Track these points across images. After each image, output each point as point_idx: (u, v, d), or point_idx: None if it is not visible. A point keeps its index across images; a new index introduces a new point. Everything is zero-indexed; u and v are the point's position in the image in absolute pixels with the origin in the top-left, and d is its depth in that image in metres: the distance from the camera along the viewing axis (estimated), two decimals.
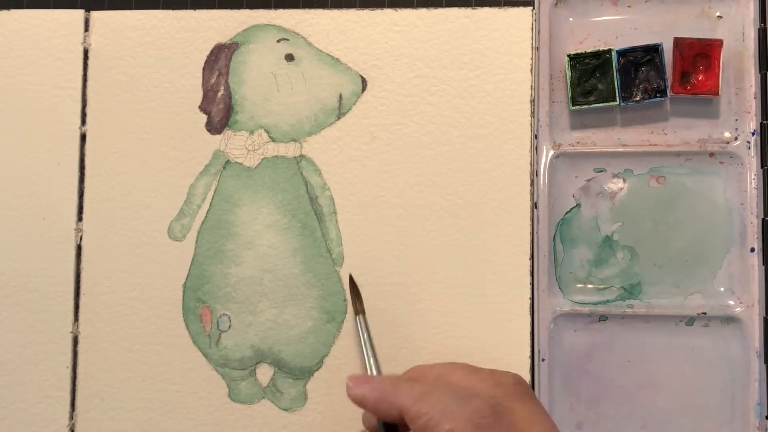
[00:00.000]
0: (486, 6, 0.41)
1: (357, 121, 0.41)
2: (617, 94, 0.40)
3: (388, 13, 0.42)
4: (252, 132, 0.42)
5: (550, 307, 0.40)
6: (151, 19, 0.43)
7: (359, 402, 0.34)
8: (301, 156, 0.42)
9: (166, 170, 0.42)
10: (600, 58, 0.40)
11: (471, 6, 0.41)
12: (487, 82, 0.41)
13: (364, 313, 0.39)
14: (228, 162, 0.42)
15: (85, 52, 0.43)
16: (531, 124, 0.41)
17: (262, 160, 0.42)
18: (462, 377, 0.34)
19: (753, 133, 0.40)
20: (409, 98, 0.41)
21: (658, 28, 0.41)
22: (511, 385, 0.34)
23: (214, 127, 0.42)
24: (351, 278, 0.40)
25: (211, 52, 0.42)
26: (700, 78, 0.40)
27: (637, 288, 0.40)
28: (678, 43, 0.40)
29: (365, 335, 0.38)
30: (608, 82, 0.40)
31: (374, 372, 0.37)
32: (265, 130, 0.42)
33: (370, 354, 0.37)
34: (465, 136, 0.41)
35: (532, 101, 0.41)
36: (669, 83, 0.40)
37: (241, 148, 0.42)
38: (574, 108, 0.40)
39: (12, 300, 0.42)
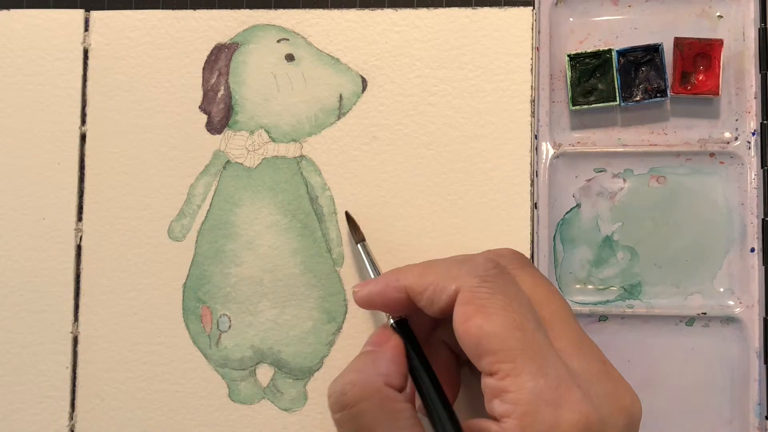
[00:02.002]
0: (486, 6, 0.41)
1: (357, 121, 0.41)
2: (617, 94, 0.40)
3: (388, 13, 0.42)
4: (252, 132, 0.42)
5: None
6: (151, 19, 0.43)
7: (367, 301, 0.34)
8: (302, 156, 0.42)
9: (166, 170, 0.42)
10: (600, 58, 0.40)
11: (471, 6, 0.41)
12: (488, 82, 0.41)
13: (364, 240, 0.39)
14: (228, 162, 0.42)
15: (85, 52, 0.43)
16: (531, 124, 0.41)
17: (263, 160, 0.42)
18: (459, 255, 0.34)
19: (753, 133, 0.40)
20: (409, 98, 0.41)
21: (658, 28, 0.41)
22: (508, 255, 0.34)
23: (214, 127, 0.42)
24: (347, 213, 0.41)
25: (211, 52, 0.42)
26: (701, 78, 0.40)
27: (637, 288, 0.40)
28: (678, 42, 0.40)
29: (368, 259, 0.38)
30: (608, 82, 0.40)
31: None
32: (265, 130, 0.42)
33: (375, 275, 0.37)
34: (465, 136, 0.41)
35: (532, 101, 0.41)
36: (669, 83, 0.40)
37: (241, 149, 0.42)
38: (574, 108, 0.40)
39: (12, 300, 0.42)
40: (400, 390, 0.32)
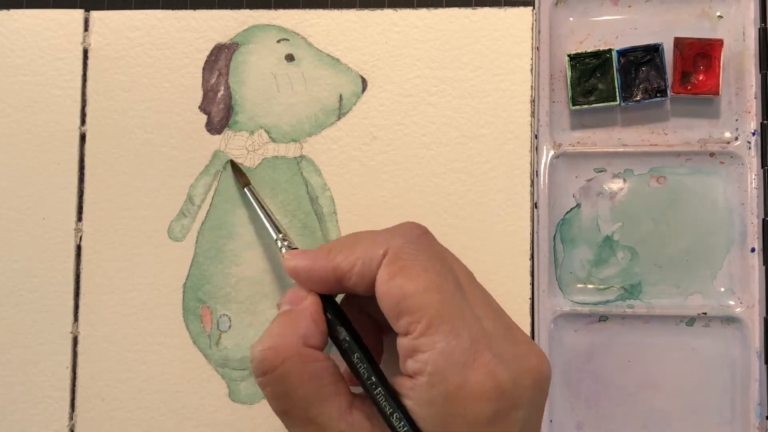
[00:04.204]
0: (486, 6, 0.41)
1: (357, 121, 0.41)
2: (617, 94, 0.40)
3: (388, 13, 0.42)
4: (252, 132, 0.42)
5: (550, 307, 0.40)
6: (151, 19, 0.43)
7: (293, 274, 0.33)
8: (302, 156, 0.42)
9: (166, 170, 0.42)
10: (600, 57, 0.40)
11: (471, 6, 0.41)
12: (487, 82, 0.41)
13: (250, 183, 0.40)
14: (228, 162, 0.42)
15: (85, 52, 0.43)
16: (531, 124, 0.41)
17: (263, 160, 0.42)
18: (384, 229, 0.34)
19: (753, 133, 0.39)
20: (409, 98, 0.41)
21: (658, 28, 0.41)
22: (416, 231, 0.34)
23: (214, 127, 0.42)
24: (232, 162, 0.41)
25: (211, 52, 0.42)
26: (701, 78, 0.40)
27: (637, 288, 0.40)
28: (678, 42, 0.40)
29: (259, 204, 0.39)
30: (608, 82, 0.40)
31: (279, 234, 0.37)
32: (265, 130, 0.42)
33: (269, 220, 0.38)
34: (465, 136, 0.41)
35: (532, 101, 0.41)
36: (669, 83, 0.40)
37: (242, 149, 0.42)
38: (574, 108, 0.40)
39: (12, 300, 0.42)
40: (320, 349, 0.32)
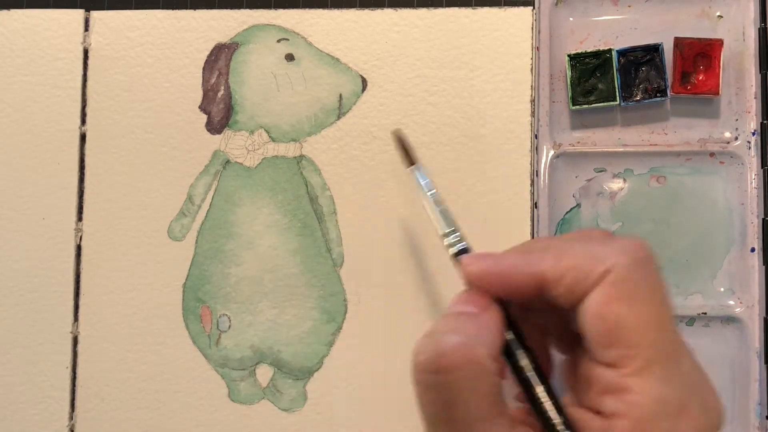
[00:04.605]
0: (486, 6, 0.41)
1: (357, 121, 0.41)
2: (617, 94, 0.40)
3: (388, 13, 0.42)
4: (252, 132, 0.42)
5: None
6: (151, 19, 0.43)
7: (480, 280, 0.29)
8: (302, 156, 0.42)
9: (166, 170, 0.42)
10: (600, 57, 0.40)
11: (471, 6, 0.41)
12: (487, 82, 0.41)
13: (418, 161, 0.34)
14: (228, 162, 0.42)
15: (85, 52, 0.43)
16: (531, 124, 0.41)
17: (263, 160, 0.42)
18: (582, 232, 0.30)
19: (753, 133, 0.39)
20: (409, 98, 0.41)
21: (658, 28, 0.41)
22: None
23: (214, 127, 0.42)
24: (397, 134, 0.36)
25: (211, 52, 0.42)
26: (701, 78, 0.40)
27: None
28: (678, 42, 0.40)
29: (427, 190, 0.33)
30: (608, 81, 0.40)
31: (448, 229, 0.32)
32: (265, 130, 0.42)
33: (439, 211, 0.33)
34: (465, 136, 0.41)
35: (532, 101, 0.41)
36: (669, 83, 0.40)
37: (241, 148, 0.42)
38: (574, 108, 0.40)
39: (12, 300, 0.42)
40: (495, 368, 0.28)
